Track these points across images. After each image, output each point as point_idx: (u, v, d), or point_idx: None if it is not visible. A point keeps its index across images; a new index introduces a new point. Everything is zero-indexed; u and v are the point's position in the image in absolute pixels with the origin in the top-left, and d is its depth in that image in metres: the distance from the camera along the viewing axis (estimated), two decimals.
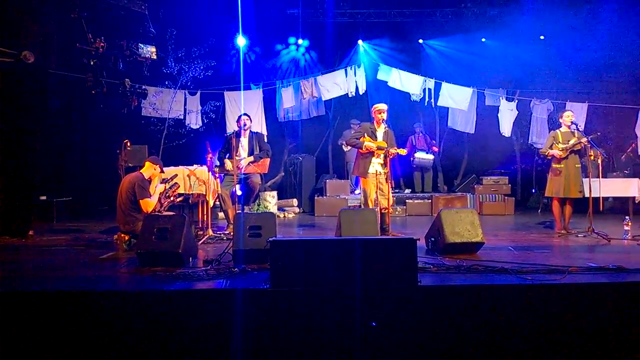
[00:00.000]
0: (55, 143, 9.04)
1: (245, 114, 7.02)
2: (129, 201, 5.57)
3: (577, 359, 3.34)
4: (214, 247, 5.88)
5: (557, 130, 6.87)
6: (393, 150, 6.35)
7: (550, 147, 6.74)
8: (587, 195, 6.72)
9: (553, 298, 3.87)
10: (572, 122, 6.71)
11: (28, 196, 6.90)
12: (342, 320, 3.72)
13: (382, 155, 6.40)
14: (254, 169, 6.85)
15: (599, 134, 6.79)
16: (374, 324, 3.56)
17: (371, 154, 6.40)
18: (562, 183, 6.64)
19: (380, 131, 6.52)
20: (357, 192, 10.19)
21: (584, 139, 6.58)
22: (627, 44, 9.62)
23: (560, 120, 6.86)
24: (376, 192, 6.44)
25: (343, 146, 10.52)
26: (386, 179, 6.42)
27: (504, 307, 3.84)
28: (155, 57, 5.92)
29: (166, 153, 8.72)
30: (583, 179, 6.77)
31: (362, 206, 6.56)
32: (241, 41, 10.36)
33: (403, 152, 6.53)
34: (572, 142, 6.64)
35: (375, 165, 6.43)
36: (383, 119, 6.52)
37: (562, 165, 6.67)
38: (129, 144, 6.79)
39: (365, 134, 6.44)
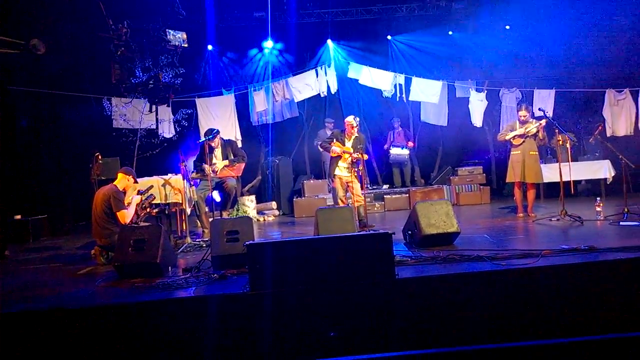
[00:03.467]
0: (26, 161, 8.88)
1: (213, 137, 6.79)
2: (105, 214, 5.52)
3: (551, 339, 3.42)
4: (194, 254, 5.85)
5: (516, 121, 7.21)
6: (356, 155, 6.89)
7: None
8: (545, 180, 7.08)
9: (527, 281, 3.96)
10: (526, 121, 7.05)
11: (2, 216, 6.76)
12: (322, 318, 3.74)
13: (348, 159, 7.00)
14: (229, 172, 6.86)
15: (547, 119, 7.03)
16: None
17: (339, 157, 7.05)
18: (519, 168, 6.99)
19: (349, 140, 7.08)
20: None
21: (541, 122, 6.94)
22: (589, 29, 9.89)
23: (518, 115, 7.19)
24: (347, 190, 7.06)
25: (319, 147, 10.54)
26: (355, 177, 6.94)
27: (480, 293, 3.92)
28: (186, 45, 5.45)
29: (140, 164, 8.61)
30: (546, 165, 7.12)
31: (333, 204, 7.25)
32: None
33: (364, 157, 7.03)
34: (528, 127, 6.96)
35: (342, 167, 7.07)
36: (353, 132, 7.08)
37: (518, 152, 7.04)
38: (99, 157, 6.71)
39: (335, 139, 7.08)
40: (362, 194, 6.92)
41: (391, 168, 10.84)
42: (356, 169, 6.86)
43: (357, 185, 6.95)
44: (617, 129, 10.15)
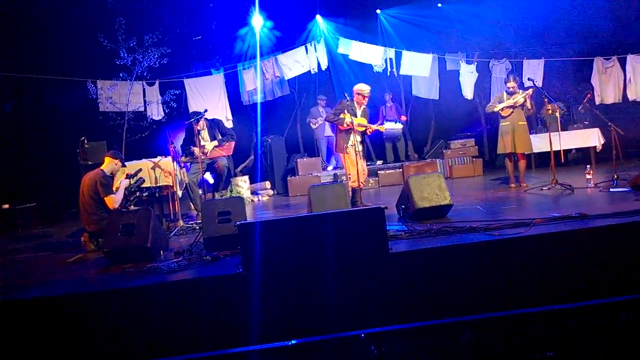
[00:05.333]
0: (12, 148, 8.73)
1: (198, 119, 6.62)
2: (92, 200, 5.42)
3: (544, 306, 3.44)
4: (187, 237, 5.80)
5: (504, 92, 7.15)
6: (374, 127, 6.47)
7: None
8: (535, 150, 6.99)
9: (520, 250, 3.96)
10: (514, 92, 6.96)
11: None
12: (316, 295, 3.73)
13: (360, 132, 6.43)
14: (219, 152, 6.77)
15: (534, 88, 6.98)
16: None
17: (350, 130, 6.36)
18: (509, 139, 6.98)
19: (360, 110, 6.55)
20: (329, 168, 10.20)
21: (528, 92, 6.89)
22: None
23: (506, 86, 7.12)
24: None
25: (311, 124, 10.46)
26: (362, 155, 6.46)
27: (473, 264, 3.91)
28: None
29: (129, 147, 8.49)
30: (536, 135, 7.07)
31: (349, 181, 6.47)
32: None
33: (382, 128, 6.64)
34: (516, 98, 6.92)
35: (353, 140, 6.39)
36: (363, 103, 6.50)
37: (507, 123, 7.02)
38: (85, 141, 6.58)
39: (345, 111, 6.36)
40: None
41: (384, 143, 10.78)
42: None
43: (362, 161, 6.47)
44: (605, 96, 10.13)
